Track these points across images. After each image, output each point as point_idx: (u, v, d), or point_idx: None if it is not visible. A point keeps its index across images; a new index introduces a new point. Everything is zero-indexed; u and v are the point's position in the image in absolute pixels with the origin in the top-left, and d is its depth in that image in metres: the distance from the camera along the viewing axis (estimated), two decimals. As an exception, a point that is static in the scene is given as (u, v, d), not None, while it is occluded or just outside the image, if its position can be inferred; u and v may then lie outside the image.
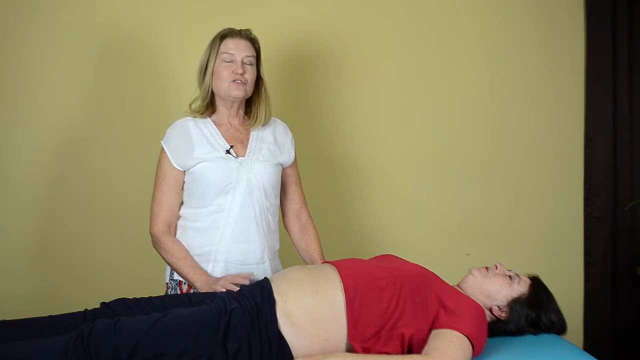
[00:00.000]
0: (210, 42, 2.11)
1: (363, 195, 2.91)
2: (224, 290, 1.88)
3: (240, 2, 2.76)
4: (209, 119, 2.13)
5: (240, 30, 2.10)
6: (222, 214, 2.04)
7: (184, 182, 2.09)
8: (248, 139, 2.13)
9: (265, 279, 1.85)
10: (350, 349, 1.72)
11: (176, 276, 2.10)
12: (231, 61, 2.06)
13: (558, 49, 2.98)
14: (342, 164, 2.89)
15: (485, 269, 1.95)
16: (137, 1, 2.73)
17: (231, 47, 2.06)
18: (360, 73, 2.88)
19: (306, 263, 2.22)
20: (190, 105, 2.14)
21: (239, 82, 2.06)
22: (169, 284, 2.14)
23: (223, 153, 2.06)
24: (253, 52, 2.10)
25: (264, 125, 2.16)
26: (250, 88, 2.10)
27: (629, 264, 2.98)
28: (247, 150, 2.10)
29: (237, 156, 2.07)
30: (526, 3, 2.96)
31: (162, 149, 2.09)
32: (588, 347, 2.96)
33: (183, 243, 2.07)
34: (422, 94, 2.93)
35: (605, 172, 2.97)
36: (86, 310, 1.80)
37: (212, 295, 1.84)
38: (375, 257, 2.01)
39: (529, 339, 1.91)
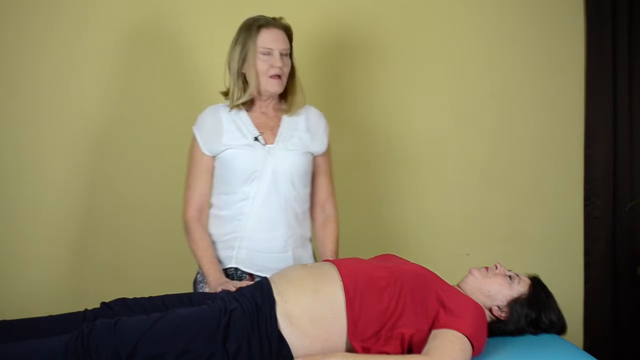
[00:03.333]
0: (242, 30, 2.04)
1: (362, 195, 2.91)
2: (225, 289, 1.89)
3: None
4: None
5: (275, 19, 2.05)
6: (247, 202, 2.05)
7: (214, 167, 2.10)
8: (279, 126, 2.12)
9: (265, 278, 1.84)
10: (350, 349, 1.72)
11: None
12: (269, 54, 2.02)
13: (558, 49, 2.98)
14: (339, 165, 2.88)
15: (485, 269, 1.95)
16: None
17: (269, 39, 2.02)
18: (360, 71, 2.88)
19: (320, 256, 2.22)
20: (227, 96, 2.10)
21: (278, 76, 2.03)
22: (197, 277, 2.17)
23: (251, 140, 2.06)
24: (288, 43, 2.06)
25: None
26: (286, 79, 2.07)
27: (629, 264, 2.98)
28: (277, 138, 2.09)
29: (266, 143, 2.07)
30: (526, 3, 2.96)
31: (194, 135, 2.10)
32: (588, 347, 2.96)
33: (210, 229, 2.10)
34: (421, 94, 2.93)
35: (605, 172, 2.97)
36: (86, 310, 1.80)
37: (212, 295, 1.84)
38: (376, 257, 2.01)
39: (529, 339, 1.91)
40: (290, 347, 1.69)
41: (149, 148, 2.75)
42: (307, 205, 2.17)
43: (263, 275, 2.05)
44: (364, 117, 2.91)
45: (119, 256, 2.75)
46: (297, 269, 1.85)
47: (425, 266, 1.90)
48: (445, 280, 1.88)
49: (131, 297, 1.84)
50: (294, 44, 2.11)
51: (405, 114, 2.93)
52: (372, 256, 2.02)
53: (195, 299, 1.85)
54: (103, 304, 1.83)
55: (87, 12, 2.68)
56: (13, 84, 2.67)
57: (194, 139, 2.10)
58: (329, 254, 2.18)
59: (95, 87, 2.71)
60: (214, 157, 2.08)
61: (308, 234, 2.19)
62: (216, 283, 1.97)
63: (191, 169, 2.11)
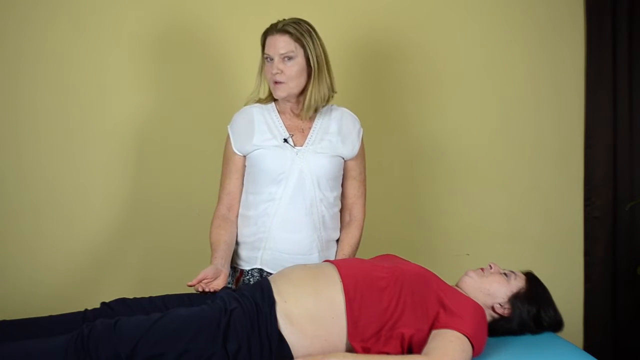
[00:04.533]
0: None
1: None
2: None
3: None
4: (273, 104, 2.14)
5: (276, 24, 2.05)
6: (273, 203, 2.05)
7: (244, 167, 2.12)
8: (310, 128, 2.12)
9: (265, 278, 1.85)
10: (350, 349, 1.72)
11: (232, 262, 2.12)
12: (271, 61, 2.04)
13: (558, 49, 2.98)
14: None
15: (480, 270, 1.96)
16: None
17: (268, 46, 2.04)
18: (358, 72, 2.88)
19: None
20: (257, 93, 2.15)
21: (278, 82, 2.04)
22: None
23: (280, 141, 2.07)
24: (291, 46, 2.03)
25: (324, 112, 2.13)
26: (294, 83, 2.05)
27: (629, 264, 2.98)
28: (306, 140, 2.09)
29: (295, 145, 2.07)
30: (526, 3, 2.96)
31: (228, 134, 2.13)
32: (588, 347, 2.96)
33: (238, 229, 2.11)
34: (422, 94, 2.93)
35: (605, 172, 2.97)
36: (86, 310, 1.80)
37: (212, 295, 1.84)
38: (376, 257, 2.01)
39: (529, 339, 1.91)
40: (290, 347, 1.69)
41: (153, 147, 2.75)
42: (336, 209, 2.15)
43: None
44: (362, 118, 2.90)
45: (119, 256, 2.75)
46: (297, 269, 1.85)
47: (425, 266, 1.91)
48: (445, 281, 1.89)
49: (131, 297, 1.84)
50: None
51: (406, 114, 2.92)
52: (372, 256, 2.02)
53: (195, 299, 1.85)
54: (103, 304, 1.83)
55: (84, 12, 2.69)
56: (11, 84, 2.67)
57: (227, 138, 2.13)
58: (340, 256, 2.16)
59: (91, 88, 2.71)
60: (244, 156, 2.10)
61: (336, 237, 2.17)
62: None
63: (223, 167, 2.15)
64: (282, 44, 2.02)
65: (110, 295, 1.90)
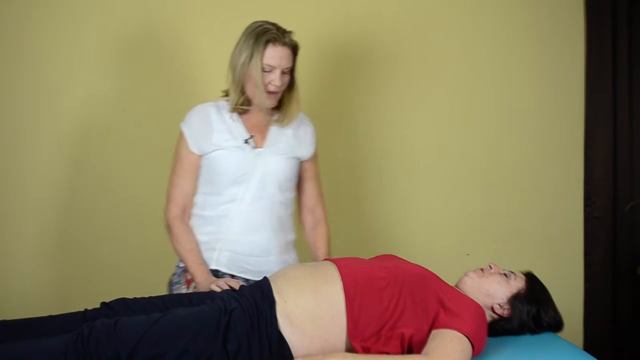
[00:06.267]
0: (250, 38, 2.00)
1: (363, 195, 2.91)
2: (218, 289, 1.89)
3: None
4: (227, 104, 2.08)
5: (284, 35, 2.01)
6: (233, 204, 2.04)
7: (200, 167, 2.08)
8: (268, 129, 2.12)
9: (265, 278, 1.84)
10: (350, 349, 1.72)
11: (182, 263, 2.10)
12: (270, 71, 2.00)
13: (558, 49, 2.98)
14: (340, 164, 2.89)
15: (480, 270, 1.96)
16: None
17: (274, 56, 1.98)
18: (359, 72, 2.88)
19: (312, 258, 2.23)
20: (227, 95, 2.09)
21: (274, 92, 2.03)
22: (176, 270, 2.15)
23: (241, 142, 2.05)
24: (291, 61, 2.03)
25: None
26: (281, 94, 2.07)
27: (629, 264, 2.98)
28: (265, 142, 2.09)
29: (256, 147, 2.07)
30: (526, 3, 2.96)
31: (181, 132, 2.08)
32: (588, 347, 2.96)
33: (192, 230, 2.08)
34: (422, 94, 2.93)
35: (605, 172, 2.97)
36: (86, 310, 1.80)
37: (212, 295, 1.83)
38: (376, 257, 2.01)
39: (529, 339, 1.91)
40: (290, 347, 1.69)
41: (150, 148, 2.75)
42: (290, 210, 2.16)
43: (245, 276, 2.06)
44: (362, 118, 2.91)
45: (119, 256, 2.75)
46: (296, 269, 1.86)
47: (425, 266, 1.91)
48: (445, 281, 1.89)
49: (131, 297, 1.84)
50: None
51: (406, 114, 2.93)
52: (373, 256, 2.02)
53: (195, 299, 1.85)
54: (103, 304, 1.83)
55: (83, 12, 2.68)
56: (10, 83, 2.67)
57: (181, 136, 2.08)
58: (320, 254, 2.19)
59: (90, 87, 2.71)
60: (201, 156, 2.06)
61: (292, 238, 2.18)
62: (207, 283, 1.97)
63: (176, 166, 2.09)
64: (287, 57, 2.01)
65: (110, 295, 1.89)
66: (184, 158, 2.07)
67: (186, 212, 2.09)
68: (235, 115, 2.08)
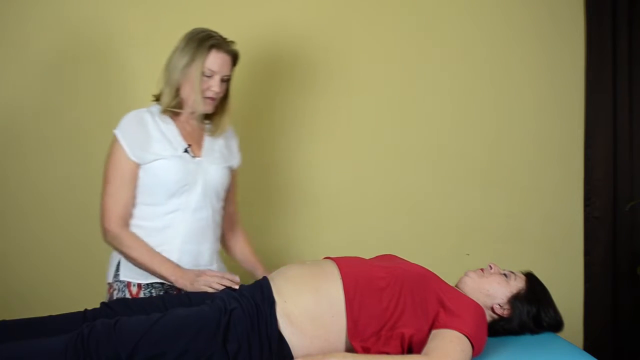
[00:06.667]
0: (191, 42, 1.98)
1: (363, 194, 2.91)
2: (208, 289, 1.87)
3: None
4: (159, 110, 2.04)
5: (227, 43, 2.02)
6: (176, 214, 2.01)
7: (138, 176, 1.99)
8: (203, 138, 2.11)
9: (265, 278, 1.84)
10: (350, 349, 1.72)
11: (123, 277, 2.01)
12: (211, 76, 1.99)
13: (558, 49, 2.98)
14: (339, 164, 2.89)
15: (480, 270, 1.97)
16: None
17: (217, 62, 1.98)
18: (358, 71, 2.88)
19: (240, 262, 2.26)
20: (159, 98, 2.05)
21: (212, 98, 2.02)
22: (114, 285, 2.04)
23: (181, 151, 2.02)
24: (231, 70, 2.04)
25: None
26: (218, 102, 2.07)
27: (629, 264, 2.98)
28: (203, 151, 2.08)
29: (194, 156, 2.05)
30: (526, 3, 2.96)
31: (116, 139, 1.98)
32: (588, 347, 2.96)
33: None
34: (422, 94, 2.93)
35: (605, 172, 2.97)
36: (86, 310, 1.80)
37: (211, 295, 1.83)
38: (376, 257, 2.01)
39: (529, 339, 1.91)
40: (290, 347, 1.69)
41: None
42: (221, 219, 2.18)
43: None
44: (361, 117, 2.91)
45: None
46: (296, 268, 1.85)
47: (425, 266, 1.91)
48: (445, 281, 1.89)
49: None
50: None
51: (406, 113, 2.92)
52: (373, 256, 2.02)
53: (194, 299, 1.85)
54: (103, 304, 1.83)
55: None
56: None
57: (116, 144, 1.98)
58: (249, 253, 2.25)
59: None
60: (139, 165, 1.98)
61: (218, 247, 2.19)
62: (191, 280, 1.92)
63: (113, 176, 1.98)
64: (228, 65, 2.02)
65: (110, 295, 1.90)
66: (122, 167, 1.97)
67: (127, 224, 2.00)
68: (170, 123, 2.03)
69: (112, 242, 2.00)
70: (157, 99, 2.06)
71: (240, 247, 2.27)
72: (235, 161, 2.20)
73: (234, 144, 2.21)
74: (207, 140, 2.11)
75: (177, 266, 1.98)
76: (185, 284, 1.94)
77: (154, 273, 1.98)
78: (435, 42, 2.93)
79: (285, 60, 2.82)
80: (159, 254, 1.99)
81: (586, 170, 2.99)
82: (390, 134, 2.92)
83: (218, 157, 2.11)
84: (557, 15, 2.97)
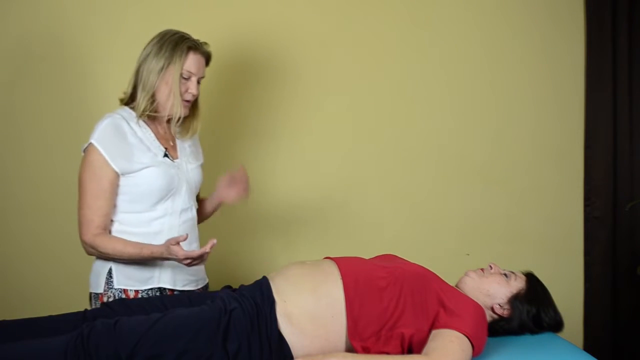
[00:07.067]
0: (167, 44, 1.95)
1: (363, 195, 2.91)
2: (182, 256, 1.84)
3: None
4: (135, 115, 1.99)
5: (200, 44, 2.01)
6: (165, 219, 2.01)
7: (118, 185, 1.95)
8: (174, 140, 2.11)
9: (265, 278, 1.84)
10: (350, 349, 1.72)
11: (118, 284, 1.97)
12: (188, 79, 1.99)
13: (558, 49, 2.98)
14: (339, 164, 2.89)
15: (480, 270, 1.97)
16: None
17: (194, 64, 1.98)
18: (358, 71, 2.88)
19: (209, 207, 2.23)
20: (126, 103, 2.02)
21: (189, 101, 2.02)
22: (108, 293, 1.98)
23: (161, 157, 2.01)
24: (205, 72, 2.04)
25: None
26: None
27: (629, 264, 2.97)
28: (178, 153, 2.08)
29: (173, 159, 2.05)
30: (526, 3, 2.96)
31: (94, 148, 1.91)
32: (588, 347, 2.96)
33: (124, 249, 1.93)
34: (422, 94, 2.93)
35: (605, 172, 2.96)
36: (86, 310, 1.80)
37: (211, 295, 1.84)
38: (376, 257, 2.01)
39: (529, 339, 1.91)
40: (290, 347, 1.69)
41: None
42: None
43: (188, 288, 2.05)
44: (361, 116, 2.91)
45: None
46: (296, 267, 1.85)
47: (425, 266, 1.91)
48: (446, 281, 1.89)
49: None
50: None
51: (406, 113, 2.93)
52: (373, 256, 2.02)
53: (194, 299, 1.85)
54: (103, 303, 1.83)
55: None
56: None
57: (94, 153, 1.91)
58: (209, 196, 2.21)
59: None
60: (119, 175, 1.93)
61: None
62: (167, 249, 1.86)
63: (90, 186, 1.91)
64: (203, 67, 2.03)
65: (110, 295, 1.89)
66: (102, 176, 1.91)
67: (106, 231, 1.95)
68: (146, 128, 2.01)
69: (90, 252, 1.98)
70: (126, 102, 2.03)
71: (202, 203, 2.23)
72: (202, 157, 2.21)
73: (197, 141, 2.21)
74: (179, 142, 2.11)
75: (151, 245, 1.93)
76: (167, 253, 1.88)
77: (140, 257, 1.93)
78: (435, 42, 2.93)
79: (284, 61, 2.82)
80: (133, 242, 1.93)
81: (586, 170, 2.99)
82: (390, 134, 2.92)
83: (190, 157, 2.12)
84: (557, 15, 2.97)
